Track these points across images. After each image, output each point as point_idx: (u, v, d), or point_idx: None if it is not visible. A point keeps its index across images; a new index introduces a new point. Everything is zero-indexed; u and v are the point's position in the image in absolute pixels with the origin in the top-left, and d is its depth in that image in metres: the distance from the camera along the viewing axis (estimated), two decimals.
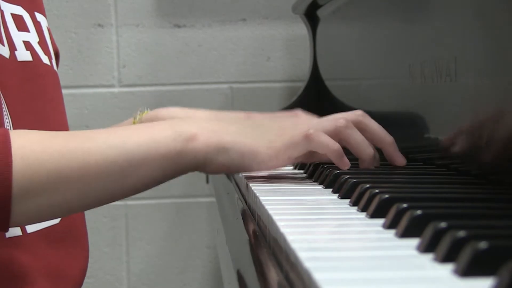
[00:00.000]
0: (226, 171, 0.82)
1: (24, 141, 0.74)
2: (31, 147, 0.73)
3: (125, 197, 0.81)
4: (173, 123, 0.81)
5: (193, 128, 0.78)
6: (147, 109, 1.14)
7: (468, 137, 0.85)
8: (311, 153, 0.85)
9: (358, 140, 0.86)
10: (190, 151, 0.78)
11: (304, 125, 0.84)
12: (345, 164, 0.84)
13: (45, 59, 0.96)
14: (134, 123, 1.12)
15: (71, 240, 0.95)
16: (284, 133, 0.83)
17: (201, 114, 1.11)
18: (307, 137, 0.81)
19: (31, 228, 0.87)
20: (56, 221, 0.91)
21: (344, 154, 0.84)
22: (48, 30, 1.01)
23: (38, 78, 0.93)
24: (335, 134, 0.84)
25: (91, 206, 0.79)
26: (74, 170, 0.73)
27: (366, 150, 0.86)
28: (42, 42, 0.97)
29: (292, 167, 1.03)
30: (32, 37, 0.95)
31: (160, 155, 0.76)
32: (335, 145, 0.83)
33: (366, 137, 0.87)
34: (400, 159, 0.89)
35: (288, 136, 0.82)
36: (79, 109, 1.85)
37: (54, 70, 0.98)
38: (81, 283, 0.96)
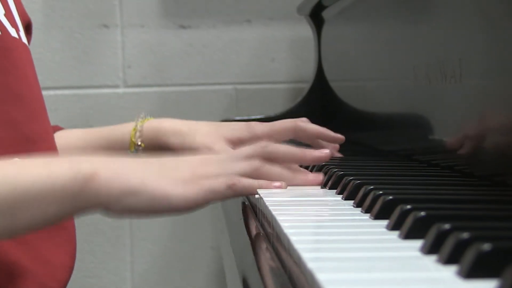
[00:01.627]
0: (134, 215, 0.75)
1: None
2: None
3: (19, 235, 0.77)
4: (74, 160, 0.74)
5: (93, 168, 0.72)
6: (148, 116, 1.14)
7: (472, 139, 0.85)
8: None
9: (277, 173, 0.83)
10: (90, 191, 0.71)
11: (221, 169, 0.79)
12: (282, 187, 0.81)
13: (13, 32, 0.93)
14: (134, 130, 1.12)
15: (58, 227, 0.93)
16: (202, 178, 0.76)
17: (203, 127, 1.11)
18: (231, 188, 0.76)
19: None
20: None
21: (268, 183, 0.80)
22: (14, 2, 0.97)
23: (6, 51, 0.90)
24: (255, 176, 0.80)
25: None
26: None
27: (296, 151, 0.85)
28: (8, 14, 0.93)
29: None
30: None
31: (56, 193, 0.71)
32: (259, 183, 0.80)
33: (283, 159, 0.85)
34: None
35: (207, 184, 0.76)
36: (84, 110, 1.86)
37: (23, 43, 0.95)
38: (71, 270, 0.96)
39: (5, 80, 0.90)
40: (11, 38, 0.93)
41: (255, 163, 0.81)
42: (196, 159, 0.81)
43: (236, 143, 1.06)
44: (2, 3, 0.94)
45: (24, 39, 0.96)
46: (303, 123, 1.08)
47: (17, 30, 0.94)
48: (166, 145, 1.12)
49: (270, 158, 0.83)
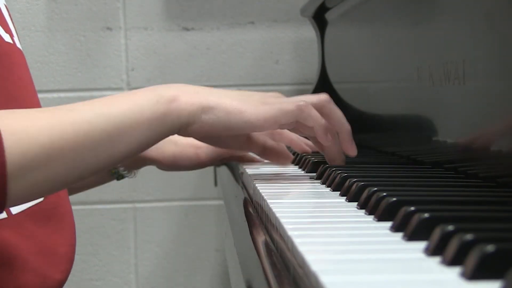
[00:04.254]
0: (210, 131, 0.82)
1: (11, 118, 0.73)
2: (19, 123, 0.72)
3: (115, 164, 0.82)
4: (154, 88, 0.83)
5: (174, 90, 0.81)
6: None
7: (476, 140, 0.85)
8: (296, 125, 0.87)
9: (339, 114, 0.90)
10: (173, 111, 0.79)
11: (291, 98, 0.86)
12: (328, 139, 0.87)
13: (6, 38, 0.94)
14: None
15: (56, 217, 0.94)
16: (270, 101, 0.85)
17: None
18: (299, 107, 0.84)
19: (15, 209, 0.87)
20: (40, 199, 0.91)
21: (329, 128, 0.88)
22: (6, 8, 0.98)
23: (1, 57, 0.92)
24: (319, 108, 0.87)
25: (84, 177, 0.78)
26: (66, 141, 0.73)
27: (345, 124, 0.90)
28: (0, 20, 0.94)
29: (301, 170, 1.03)
30: None
31: (146, 119, 0.78)
32: (323, 120, 0.86)
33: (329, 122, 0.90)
34: (352, 149, 0.93)
35: (278, 103, 0.84)
36: None
37: (18, 48, 0.96)
38: (72, 260, 0.96)
39: (1, 84, 0.91)
40: (5, 44, 0.93)
41: (323, 96, 0.89)
42: (267, 93, 0.89)
43: None
44: None
45: (19, 44, 0.97)
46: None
47: (11, 36, 0.95)
48: (146, 159, 1.14)
49: (324, 114, 0.88)
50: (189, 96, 0.81)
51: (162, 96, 0.80)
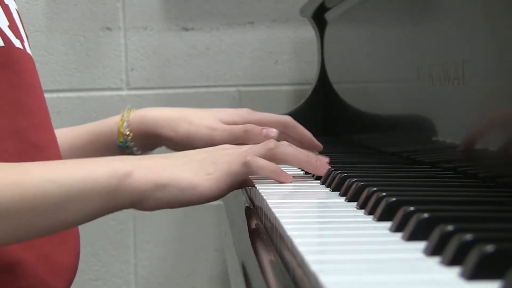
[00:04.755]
0: (165, 207, 0.81)
1: None
2: None
3: (60, 231, 0.81)
4: (109, 160, 0.81)
5: (128, 165, 0.78)
6: (133, 108, 1.14)
7: (475, 140, 0.85)
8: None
9: (291, 152, 0.88)
10: (126, 188, 0.77)
11: (237, 153, 0.84)
12: (287, 178, 0.86)
13: (17, 43, 0.94)
14: (121, 120, 1.12)
15: None
16: (220, 163, 0.82)
17: (197, 111, 1.12)
18: (246, 164, 0.82)
19: None
20: None
21: (281, 170, 0.86)
22: (18, 12, 0.98)
23: (12, 63, 0.92)
24: (269, 157, 0.85)
25: (26, 239, 0.80)
26: (12, 203, 0.73)
27: (304, 157, 0.89)
28: (12, 26, 0.94)
29: (300, 170, 1.03)
30: (1, 21, 0.93)
31: (96, 192, 0.76)
32: (273, 166, 0.85)
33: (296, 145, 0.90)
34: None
35: (226, 165, 0.82)
36: (87, 112, 1.86)
37: (28, 54, 0.97)
38: (75, 269, 0.96)
39: (11, 91, 0.91)
40: (16, 49, 0.93)
41: (270, 144, 0.86)
42: (217, 149, 0.87)
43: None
44: (6, 15, 0.94)
45: (29, 50, 0.97)
46: (294, 121, 1.12)
47: (22, 41, 0.95)
48: (158, 136, 1.12)
49: (276, 159, 0.87)
50: (143, 173, 0.78)
51: (116, 171, 0.77)
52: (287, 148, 0.88)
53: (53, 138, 0.99)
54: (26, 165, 0.79)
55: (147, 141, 1.14)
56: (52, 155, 0.95)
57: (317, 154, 1.00)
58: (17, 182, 0.74)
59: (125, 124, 1.12)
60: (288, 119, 1.13)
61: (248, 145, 0.90)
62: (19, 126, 0.91)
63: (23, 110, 0.92)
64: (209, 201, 0.82)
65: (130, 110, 1.13)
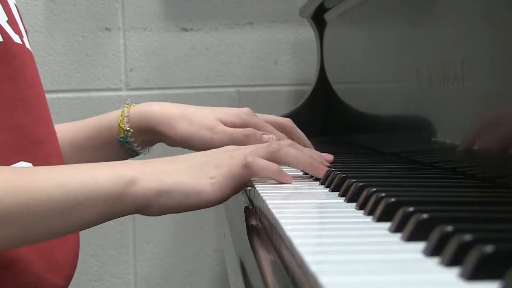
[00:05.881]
0: (170, 212, 0.81)
1: None
2: None
3: (64, 235, 0.81)
4: (115, 165, 0.81)
5: (133, 171, 0.78)
6: (133, 103, 1.14)
7: (474, 141, 0.85)
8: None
9: (294, 155, 0.88)
10: (130, 194, 0.77)
11: (239, 155, 0.84)
12: (288, 178, 0.86)
13: (16, 38, 0.94)
14: (121, 115, 1.12)
15: None
16: (222, 166, 0.83)
17: (198, 110, 1.11)
18: (247, 166, 0.82)
19: None
20: None
21: (282, 170, 0.86)
22: (16, 7, 0.98)
23: (11, 59, 0.92)
24: (271, 159, 0.85)
25: (31, 243, 0.80)
26: (17, 208, 0.73)
27: (306, 159, 0.89)
28: (11, 21, 0.94)
29: (300, 171, 1.03)
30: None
31: (101, 198, 0.77)
32: (274, 166, 0.85)
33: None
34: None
35: (227, 168, 0.82)
36: (87, 113, 1.86)
37: (27, 49, 0.96)
38: (74, 266, 0.96)
39: (10, 86, 0.91)
40: (15, 44, 0.93)
41: (273, 146, 0.86)
42: (220, 151, 0.87)
43: (230, 127, 1.08)
44: (5, 10, 0.94)
45: (28, 45, 0.97)
46: (293, 124, 1.13)
47: (21, 37, 0.95)
48: (157, 133, 1.11)
49: (279, 159, 0.87)
50: (148, 179, 0.78)
51: (122, 176, 0.77)
52: (290, 150, 0.88)
53: (53, 133, 0.99)
54: (32, 169, 0.79)
55: (146, 136, 1.14)
56: (52, 150, 0.95)
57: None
58: (23, 187, 0.74)
59: (125, 119, 1.12)
60: (287, 122, 1.13)
61: (251, 146, 0.90)
62: (18, 121, 0.91)
63: (22, 105, 0.91)
64: (213, 205, 0.82)
65: (130, 105, 1.13)
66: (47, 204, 0.74)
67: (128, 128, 1.12)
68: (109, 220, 0.80)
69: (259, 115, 1.12)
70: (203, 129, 1.09)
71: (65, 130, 1.16)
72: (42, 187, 0.75)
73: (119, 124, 1.12)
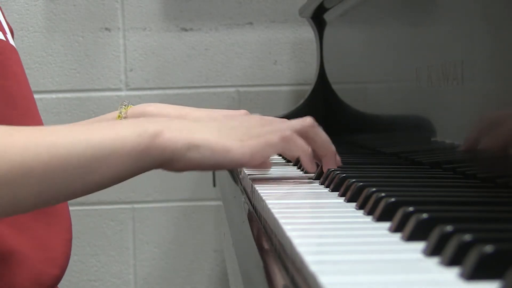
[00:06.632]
0: (194, 169, 0.80)
1: None
2: None
3: (87, 194, 0.79)
4: (138, 120, 0.80)
5: (158, 125, 0.77)
6: (130, 104, 1.14)
7: (474, 141, 0.85)
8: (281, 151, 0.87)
9: (323, 138, 0.88)
10: (156, 147, 0.76)
11: (274, 126, 0.84)
12: (314, 167, 0.86)
13: None
14: (119, 116, 1.12)
15: (52, 211, 0.94)
16: (254, 132, 0.82)
17: (194, 111, 1.11)
18: (284, 139, 0.82)
19: None
20: None
21: (312, 157, 0.86)
22: None
23: None
24: (303, 133, 0.85)
25: (55, 202, 0.78)
26: (39, 163, 0.71)
27: (330, 148, 0.89)
28: None
29: (300, 170, 1.03)
30: None
31: (126, 152, 0.75)
32: (309, 149, 0.85)
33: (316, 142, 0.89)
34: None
35: (263, 135, 0.82)
36: (86, 113, 1.86)
37: (11, 45, 0.96)
38: (68, 255, 0.96)
39: None
40: None
41: (308, 121, 0.86)
42: (252, 120, 0.86)
43: None
44: None
45: (12, 41, 0.97)
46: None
47: (4, 33, 0.96)
48: None
49: (309, 138, 0.87)
50: (173, 133, 0.77)
51: (146, 130, 0.76)
52: (322, 132, 0.88)
53: (40, 125, 0.99)
54: (54, 127, 0.77)
55: None
56: None
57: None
58: (44, 143, 0.72)
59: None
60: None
61: (285, 120, 0.89)
62: (4, 115, 0.91)
63: (7, 98, 0.91)
64: (238, 167, 0.81)
65: (127, 106, 1.13)
66: (70, 159, 0.72)
67: None
68: (133, 175, 0.78)
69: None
70: None
71: None
72: (64, 142, 0.73)
73: None
